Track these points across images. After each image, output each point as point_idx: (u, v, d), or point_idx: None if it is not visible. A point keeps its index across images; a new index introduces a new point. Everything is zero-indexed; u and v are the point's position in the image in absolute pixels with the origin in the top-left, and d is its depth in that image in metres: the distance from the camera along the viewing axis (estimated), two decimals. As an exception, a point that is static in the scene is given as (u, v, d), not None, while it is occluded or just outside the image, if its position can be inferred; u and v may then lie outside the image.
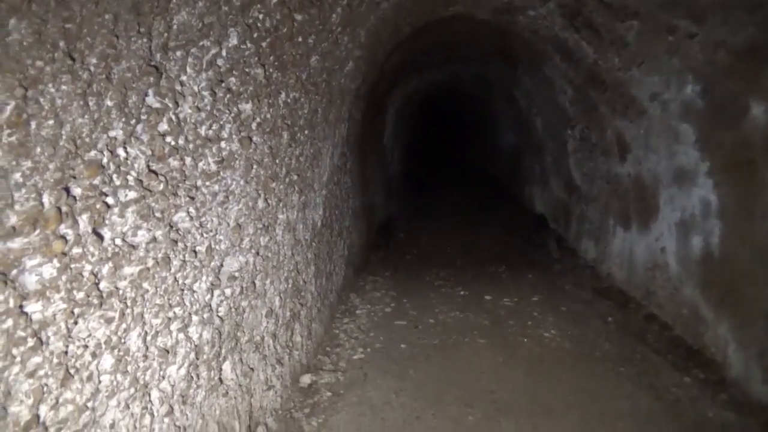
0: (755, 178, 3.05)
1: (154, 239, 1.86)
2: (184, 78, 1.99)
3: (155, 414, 1.81)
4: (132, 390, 1.70)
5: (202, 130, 2.16)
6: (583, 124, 5.54)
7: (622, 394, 3.09)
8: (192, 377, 2.06)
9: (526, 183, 8.61)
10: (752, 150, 3.07)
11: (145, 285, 1.80)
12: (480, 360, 3.57)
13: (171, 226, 1.96)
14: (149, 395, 1.79)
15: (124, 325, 1.67)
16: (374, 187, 6.76)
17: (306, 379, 3.25)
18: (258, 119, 2.64)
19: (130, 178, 1.74)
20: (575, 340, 3.76)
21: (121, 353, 1.65)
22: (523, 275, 5.22)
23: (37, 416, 1.36)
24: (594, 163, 5.42)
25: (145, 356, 1.78)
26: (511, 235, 6.93)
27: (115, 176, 1.65)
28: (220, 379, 2.30)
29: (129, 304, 1.71)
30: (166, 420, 1.87)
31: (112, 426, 1.59)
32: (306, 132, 3.38)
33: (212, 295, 2.25)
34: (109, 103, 1.61)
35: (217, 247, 2.29)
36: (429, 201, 9.59)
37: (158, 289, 1.86)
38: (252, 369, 2.62)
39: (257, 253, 2.69)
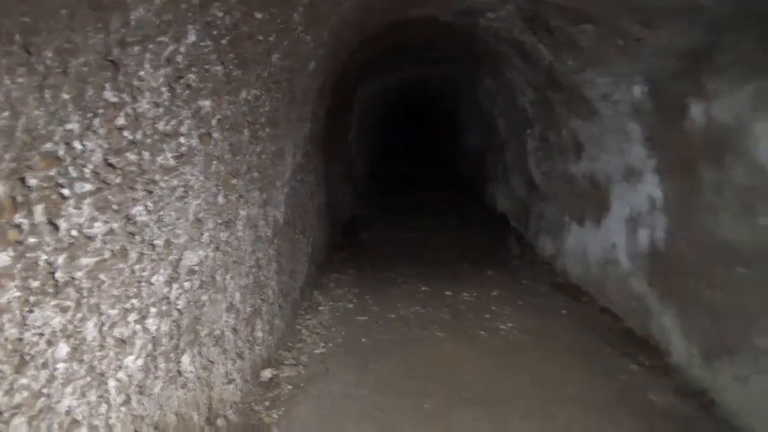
0: (695, 175, 3.23)
1: (111, 231, 1.89)
2: (141, 73, 2.02)
3: (112, 403, 1.84)
4: (88, 378, 1.73)
5: (161, 126, 2.19)
6: (542, 125, 5.72)
7: (575, 381, 3.23)
8: (150, 368, 2.09)
9: (489, 182, 8.79)
10: (692, 149, 3.25)
11: (102, 276, 1.83)
12: (439, 353, 3.67)
13: (128, 219, 1.99)
14: (106, 384, 1.82)
15: (80, 315, 1.70)
16: (339, 186, 6.82)
17: (267, 374, 3.29)
18: (218, 116, 2.67)
19: (86, 170, 1.77)
20: (531, 332, 3.90)
21: (77, 342, 1.68)
22: (483, 271, 5.36)
23: (-8, 402, 1.38)
24: (552, 162, 5.60)
25: (102, 346, 1.81)
26: (473, 234, 7.08)
27: (71, 168, 1.68)
28: (179, 371, 2.33)
29: (85, 294, 1.74)
30: (123, 409, 1.90)
31: (67, 413, 1.62)
32: (268, 130, 3.43)
33: (171, 288, 2.28)
34: (65, 96, 1.64)
35: (176, 240, 2.32)
36: (395, 200, 9.70)
37: (115, 281, 1.89)
38: (212, 362, 2.66)
39: (217, 248, 2.73)
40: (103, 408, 1.80)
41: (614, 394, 3.09)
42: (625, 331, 3.90)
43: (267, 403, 2.99)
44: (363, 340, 3.85)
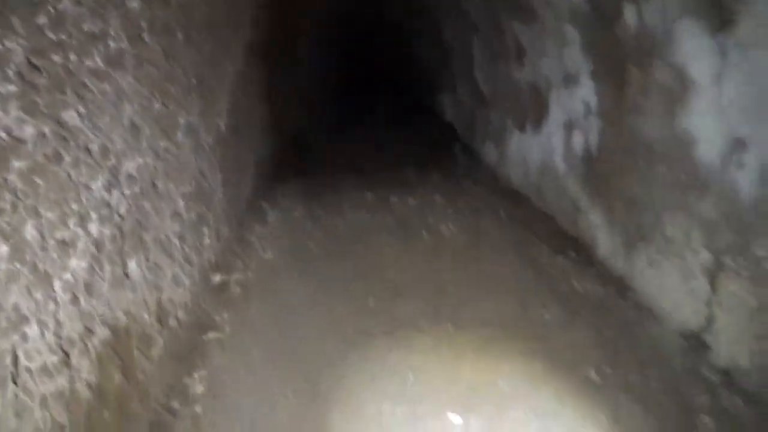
0: (626, 79, 3.36)
1: (43, 135, 1.87)
2: (59, -32, 1.92)
3: (59, 301, 1.91)
4: (32, 278, 1.78)
5: (86, 26, 2.11)
6: (486, 31, 5.70)
7: (508, 273, 3.50)
8: (95, 270, 2.15)
9: (438, 92, 8.79)
10: (624, 53, 3.36)
11: (37, 179, 1.83)
12: (384, 255, 3.85)
13: (60, 123, 1.97)
14: (51, 284, 1.87)
15: (17, 217, 1.73)
16: (287, 97, 6.70)
17: (216, 278, 3.40)
18: (148, 16, 2.58)
19: (9, 71, 1.72)
20: (470, 232, 4.12)
21: (17, 242, 1.71)
22: (428, 178, 5.51)
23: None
24: (496, 69, 5.65)
25: (44, 247, 1.85)
26: (420, 143, 7.18)
27: (-9, 68, 1.64)
28: (126, 274, 2.40)
29: (20, 196, 1.75)
30: (71, 307, 1.98)
31: (15, 308, 1.68)
32: (204, 34, 3.32)
33: (111, 194, 2.30)
34: (-24, -9, 1.57)
35: (112, 147, 2.31)
36: (344, 112, 9.61)
37: (51, 184, 1.90)
38: (159, 267, 2.73)
39: (157, 156, 2.72)
40: (51, 306, 1.86)
41: (542, 284, 3.37)
42: (558, 231, 4.16)
43: (217, 305, 3.12)
44: (310, 245, 3.99)
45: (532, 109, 4.84)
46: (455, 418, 2.31)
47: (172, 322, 2.78)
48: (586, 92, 3.91)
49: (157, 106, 2.71)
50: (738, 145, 2.54)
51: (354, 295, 3.28)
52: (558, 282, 3.42)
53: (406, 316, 3.06)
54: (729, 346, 2.61)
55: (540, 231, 4.14)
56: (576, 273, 3.51)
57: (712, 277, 2.72)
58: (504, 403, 2.40)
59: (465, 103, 7.12)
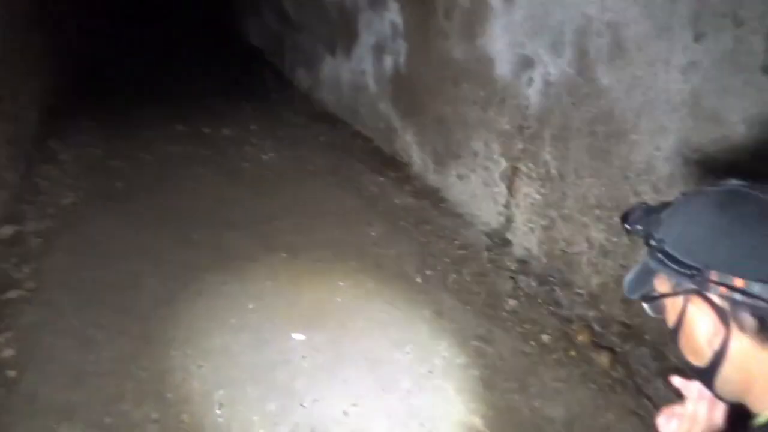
0: (430, 1, 3.52)
1: None
2: None
3: None
4: None
5: None
6: (288, -52, 5.45)
7: (331, 196, 3.59)
8: None
9: (240, 15, 8.28)
10: (427, -26, 3.50)
11: None
12: (202, 187, 3.67)
13: None
14: None
15: None
16: (71, 23, 5.75)
17: (8, 230, 2.94)
18: None
19: None
20: (291, 159, 4.10)
21: None
22: (241, 107, 5.28)
23: None
24: (302, -9, 5.48)
25: None
26: (228, 70, 6.77)
27: None
28: None
29: None
30: None
31: None
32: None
33: None
34: None
35: None
36: (143, 39, 8.57)
37: None
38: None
39: None
40: None
41: (365, 202, 3.54)
42: (375, 151, 4.34)
43: (14, 260, 2.72)
44: (118, 184, 3.62)
45: (342, 33, 4.84)
46: (298, 336, 2.38)
47: (-42, 285, 2.37)
48: (393, 15, 4.01)
49: None
50: (526, 63, 2.86)
51: (175, 231, 3.10)
52: (379, 200, 3.62)
53: (236, 247, 3.00)
54: (524, 239, 3.05)
55: (359, 153, 4.28)
56: (395, 190, 3.74)
57: (510, 182, 3.11)
58: (344, 316, 2.54)
59: (271, 27, 6.83)
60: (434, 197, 3.63)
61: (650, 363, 2.28)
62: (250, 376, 2.15)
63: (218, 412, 1.98)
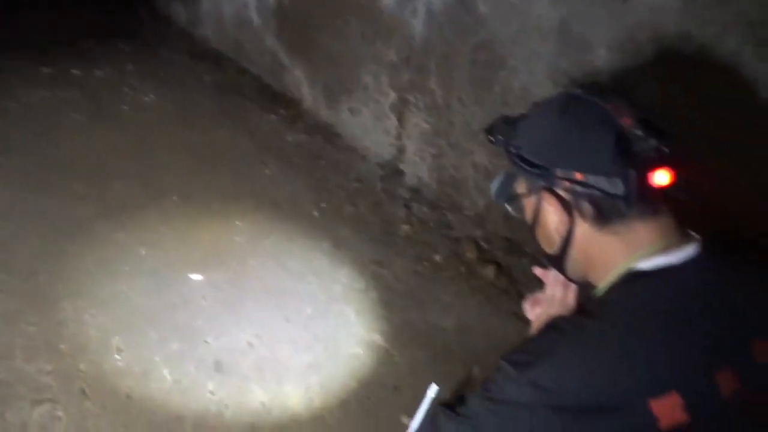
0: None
1: None
2: None
3: None
4: None
5: None
6: None
7: (223, 138, 3.48)
8: None
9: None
10: None
11: None
12: (79, 135, 3.41)
13: None
14: None
15: None
16: None
17: None
18: None
19: None
20: (176, 101, 3.90)
21: None
22: (114, 47, 4.87)
23: None
24: None
25: None
26: (93, 8, 6.17)
27: None
28: None
29: None
30: None
31: None
32: None
33: None
34: None
35: None
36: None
37: None
38: None
39: None
40: None
41: (257, 142, 3.48)
42: (264, 88, 4.22)
43: None
44: (-22, 136, 3.28)
45: (220, -37, 4.56)
46: (197, 277, 2.37)
47: None
48: (272, -57, 3.84)
49: None
50: (410, -8, 2.89)
51: (56, 183, 2.88)
52: (272, 139, 3.57)
53: (125, 196, 2.86)
54: (415, 168, 3.17)
55: (247, 91, 4.15)
56: (288, 128, 3.70)
57: (399, 113, 3.19)
58: (243, 255, 2.54)
59: (140, -44, 6.26)
60: (327, 133, 3.64)
61: (530, 272, 2.51)
62: (149, 320, 2.13)
63: (117, 357, 1.96)
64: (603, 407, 0.80)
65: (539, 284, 2.38)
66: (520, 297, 2.39)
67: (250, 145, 3.46)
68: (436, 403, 1.17)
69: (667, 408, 0.78)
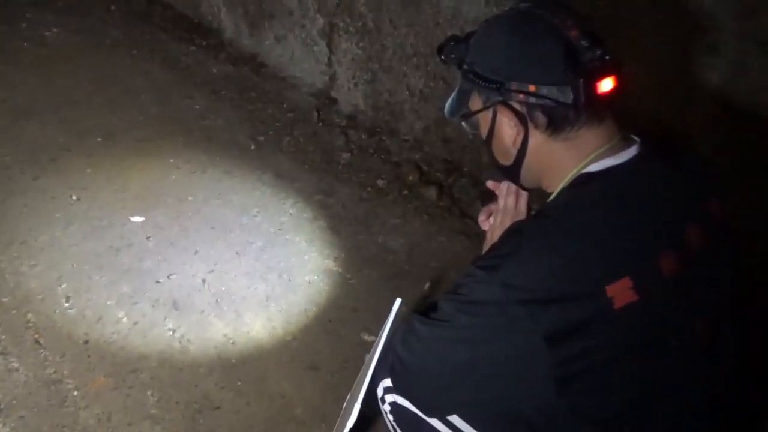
0: None
1: None
2: None
3: None
4: None
5: None
6: None
7: (139, 72, 3.27)
8: None
9: None
10: None
11: None
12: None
13: None
14: None
15: None
16: None
17: None
18: None
19: None
20: (83, 33, 3.59)
21: None
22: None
23: None
24: None
25: None
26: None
27: None
28: None
29: None
30: None
31: None
32: None
33: None
34: None
35: None
36: None
37: None
38: None
39: None
40: None
41: (179, 75, 3.30)
42: (179, 17, 3.95)
43: None
44: None
45: None
46: (137, 218, 2.30)
47: None
48: None
49: None
50: None
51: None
52: (195, 71, 3.39)
53: (41, 139, 2.67)
54: (350, 95, 3.14)
55: (160, 21, 3.87)
56: (210, 59, 3.52)
57: (329, 39, 3.11)
58: (182, 192, 2.47)
59: None
60: (253, 63, 3.50)
61: (470, 190, 2.62)
62: (93, 265, 2.07)
63: (66, 304, 1.90)
64: (566, 296, 0.89)
65: (481, 201, 2.52)
66: (463, 215, 2.53)
67: (171, 78, 3.28)
68: (405, 314, 1.24)
69: (620, 291, 0.89)
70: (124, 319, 1.88)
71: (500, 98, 1.05)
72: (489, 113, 1.10)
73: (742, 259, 1.10)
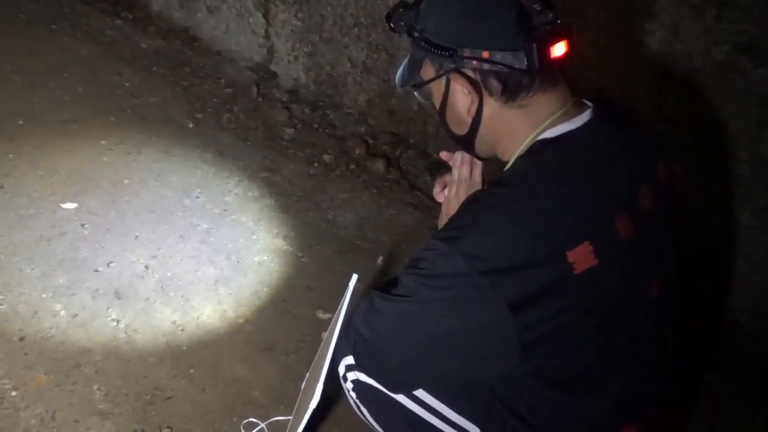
0: None
1: None
2: None
3: None
4: None
5: None
6: None
7: (62, 48, 3.05)
8: None
9: None
10: None
11: None
12: None
13: None
14: None
15: None
16: None
17: None
18: None
19: None
20: (-4, 10, 3.30)
21: None
22: None
23: None
24: None
25: None
26: None
27: None
28: None
29: None
30: None
31: None
32: None
33: None
34: None
35: None
36: None
37: None
38: None
39: None
40: None
41: (105, 50, 3.10)
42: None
43: None
44: None
45: None
46: (69, 205, 2.16)
47: None
48: None
49: None
50: None
51: None
52: (122, 46, 3.19)
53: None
54: (290, 69, 3.05)
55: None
56: (138, 33, 3.32)
57: (266, 10, 2.99)
58: (116, 175, 2.33)
59: None
60: (185, 36, 3.33)
61: (417, 162, 2.61)
62: (23, 257, 1.92)
63: (-4, 301, 1.77)
64: (528, 264, 0.89)
65: (429, 172, 2.51)
66: (412, 187, 2.51)
67: (97, 53, 3.07)
68: (362, 290, 1.22)
69: (580, 256, 0.89)
70: (62, 312, 1.77)
71: (453, 65, 1.02)
72: (442, 82, 1.08)
73: (681, 220, 1.14)
